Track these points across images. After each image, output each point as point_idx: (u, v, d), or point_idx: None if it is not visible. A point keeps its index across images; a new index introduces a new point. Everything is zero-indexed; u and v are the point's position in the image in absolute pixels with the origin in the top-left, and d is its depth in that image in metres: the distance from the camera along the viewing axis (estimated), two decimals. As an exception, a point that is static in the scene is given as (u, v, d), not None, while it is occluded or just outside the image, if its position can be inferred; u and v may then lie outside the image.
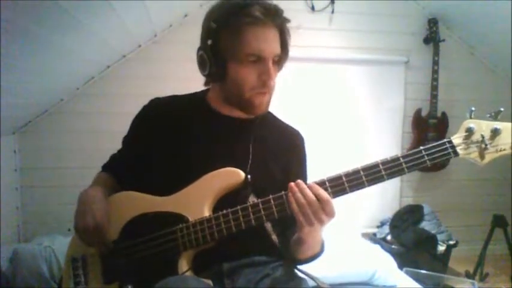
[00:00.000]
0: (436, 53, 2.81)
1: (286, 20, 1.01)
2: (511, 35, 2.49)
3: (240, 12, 0.93)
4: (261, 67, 0.96)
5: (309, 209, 0.87)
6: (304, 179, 1.13)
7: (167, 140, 1.05)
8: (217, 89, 1.06)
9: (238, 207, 0.92)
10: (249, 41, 0.94)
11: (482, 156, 0.89)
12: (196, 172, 0.97)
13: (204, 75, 1.03)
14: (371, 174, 0.89)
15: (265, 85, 0.97)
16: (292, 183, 0.90)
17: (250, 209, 0.92)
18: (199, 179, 0.97)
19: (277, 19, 0.97)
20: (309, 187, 0.89)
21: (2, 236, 2.20)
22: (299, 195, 0.88)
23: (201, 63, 1.00)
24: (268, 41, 0.96)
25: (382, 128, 2.94)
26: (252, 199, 0.95)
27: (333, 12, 2.80)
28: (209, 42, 0.96)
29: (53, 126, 2.53)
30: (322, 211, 0.87)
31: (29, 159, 2.52)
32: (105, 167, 1.17)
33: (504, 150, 0.88)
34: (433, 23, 2.83)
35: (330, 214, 0.88)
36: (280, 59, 1.02)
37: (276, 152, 1.08)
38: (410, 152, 0.90)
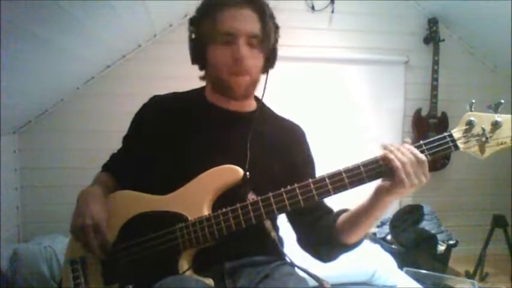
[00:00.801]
0: (436, 53, 2.81)
1: (265, 3, 1.01)
2: (511, 35, 2.49)
3: None
4: (233, 46, 0.97)
5: (411, 167, 0.84)
6: (313, 170, 1.13)
7: (166, 137, 1.05)
8: (207, 79, 1.08)
9: (238, 205, 0.92)
10: (222, 21, 0.97)
11: (482, 150, 0.87)
12: (195, 169, 0.97)
13: (192, 64, 1.07)
14: (371, 170, 0.88)
15: (236, 63, 0.97)
16: (385, 144, 0.88)
17: (249, 207, 0.91)
18: (197, 177, 0.97)
19: (255, 3, 0.98)
20: (405, 147, 0.87)
21: (2, 236, 2.20)
22: (399, 154, 0.85)
23: (189, 53, 1.05)
24: (239, 20, 0.97)
25: (382, 128, 2.94)
26: (251, 196, 0.94)
27: (333, 12, 2.80)
28: (191, 29, 1.03)
29: (53, 126, 2.53)
30: (421, 171, 0.85)
31: (29, 159, 2.52)
32: (105, 167, 1.17)
33: (505, 143, 0.86)
34: (433, 23, 2.83)
35: (427, 175, 0.86)
36: (262, 42, 0.99)
37: (276, 147, 1.07)
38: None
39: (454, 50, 2.96)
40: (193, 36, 1.03)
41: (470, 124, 0.88)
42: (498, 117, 0.87)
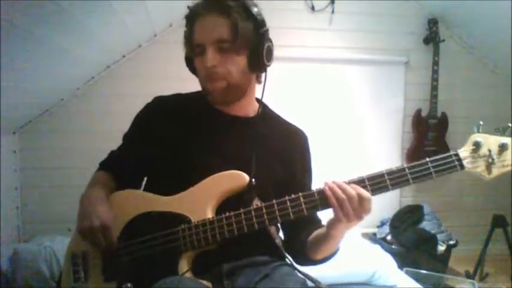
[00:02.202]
0: (436, 53, 2.81)
1: (237, 5, 0.97)
2: (511, 35, 2.49)
3: (188, 11, 1.01)
4: (203, 56, 0.98)
5: (349, 204, 0.87)
6: (310, 179, 1.13)
7: (169, 138, 1.05)
8: None
9: (242, 210, 0.92)
10: (193, 34, 1.00)
11: (489, 171, 0.89)
12: (197, 172, 0.97)
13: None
14: (376, 184, 0.90)
15: (207, 71, 0.98)
16: (328, 182, 0.91)
17: (253, 213, 0.92)
18: (203, 180, 0.97)
19: (220, 7, 0.96)
20: (349, 186, 0.89)
21: (2, 236, 2.20)
22: (338, 190, 0.88)
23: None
24: (204, 29, 0.98)
25: (382, 128, 2.94)
26: (256, 202, 0.95)
27: (333, 12, 2.80)
28: (184, 42, 1.05)
29: (53, 126, 2.54)
30: (361, 207, 0.87)
31: (29, 159, 2.52)
32: (103, 164, 1.17)
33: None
34: (433, 23, 2.83)
35: (368, 211, 0.88)
36: (234, 44, 0.96)
37: (279, 152, 1.08)
38: (416, 163, 0.90)
39: (454, 50, 2.96)
40: (185, 49, 1.06)
41: (477, 145, 0.89)
42: (505, 140, 0.88)
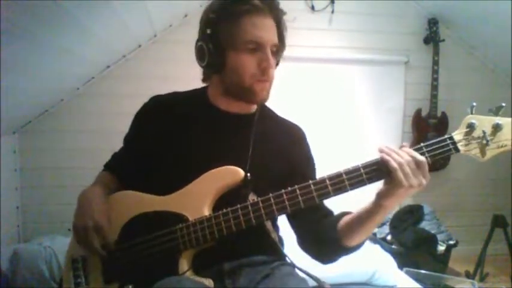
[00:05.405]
0: (436, 53, 2.81)
1: (282, 12, 1.03)
2: (511, 35, 2.49)
3: (238, 1, 0.97)
4: (260, 55, 0.97)
5: (408, 168, 0.84)
6: (313, 171, 1.13)
7: (167, 137, 1.05)
8: (216, 82, 1.06)
9: (238, 206, 0.92)
10: (247, 28, 0.96)
11: (483, 153, 0.87)
12: (195, 170, 0.97)
13: (202, 67, 1.04)
14: (370, 172, 0.89)
15: (265, 73, 0.98)
16: (381, 147, 0.88)
17: (250, 208, 0.91)
18: (198, 177, 0.97)
19: (274, 9, 0.99)
20: (403, 150, 0.87)
21: (2, 236, 2.20)
22: (396, 155, 0.85)
23: (200, 54, 1.01)
24: (266, 29, 0.97)
25: (382, 128, 2.94)
26: (252, 197, 0.94)
27: (333, 12, 2.80)
28: (208, 31, 0.99)
29: (53, 126, 2.53)
30: (420, 170, 0.85)
31: (29, 159, 2.51)
32: (107, 166, 1.17)
33: (506, 146, 0.87)
34: (433, 23, 2.83)
35: (426, 176, 0.85)
36: (278, 51, 1.03)
37: (277, 148, 1.08)
38: (412, 148, 0.89)
39: (454, 50, 2.96)
40: (210, 39, 0.98)
41: (471, 127, 0.88)
42: (499, 120, 0.87)
